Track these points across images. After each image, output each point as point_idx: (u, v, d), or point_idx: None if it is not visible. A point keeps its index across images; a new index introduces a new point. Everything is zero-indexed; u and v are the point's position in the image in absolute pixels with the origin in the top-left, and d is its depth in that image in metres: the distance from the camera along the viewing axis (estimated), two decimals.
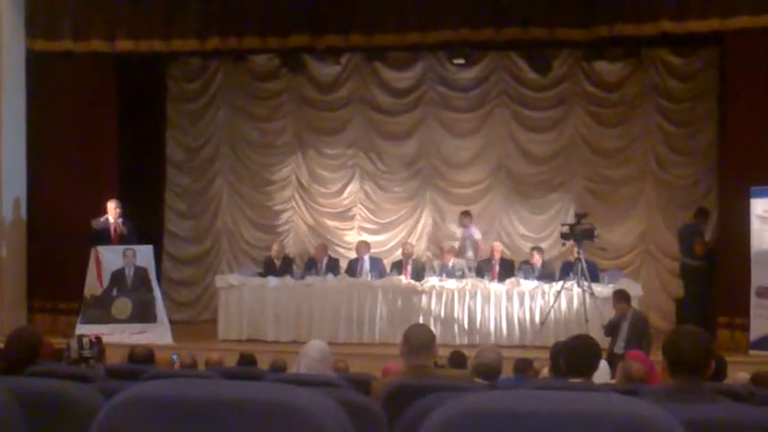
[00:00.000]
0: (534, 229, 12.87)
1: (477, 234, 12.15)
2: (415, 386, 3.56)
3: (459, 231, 12.52)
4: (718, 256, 10.74)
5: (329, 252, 12.04)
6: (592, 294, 10.10)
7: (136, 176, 12.18)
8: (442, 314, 10.67)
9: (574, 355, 4.65)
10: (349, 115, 13.33)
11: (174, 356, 7.93)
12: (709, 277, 10.63)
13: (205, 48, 11.28)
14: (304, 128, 13.44)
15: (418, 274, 11.14)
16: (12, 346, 4.42)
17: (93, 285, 10.58)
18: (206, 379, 2.18)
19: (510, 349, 9.33)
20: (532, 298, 10.64)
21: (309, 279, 11.11)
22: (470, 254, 11.88)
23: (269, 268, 11.48)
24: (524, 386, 4.86)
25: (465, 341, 10.38)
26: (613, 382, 5.93)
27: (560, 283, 10.51)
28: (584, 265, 10.20)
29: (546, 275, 11.03)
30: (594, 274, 10.61)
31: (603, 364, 5.96)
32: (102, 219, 10.73)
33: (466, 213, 12.35)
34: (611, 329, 9.04)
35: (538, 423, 1.24)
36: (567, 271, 10.86)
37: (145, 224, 11.62)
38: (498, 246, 11.67)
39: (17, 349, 4.30)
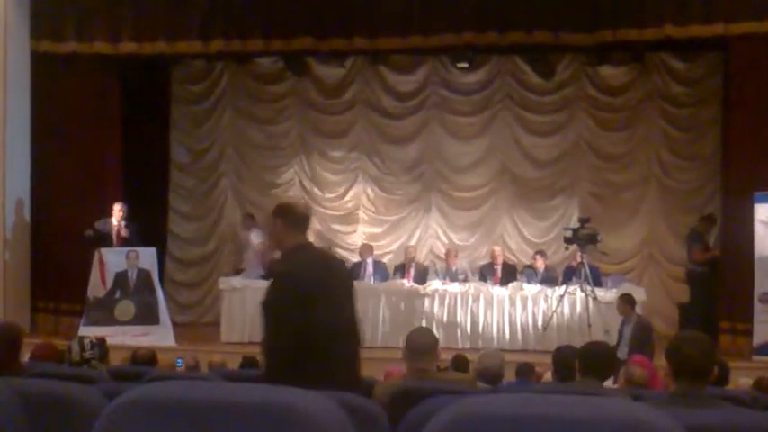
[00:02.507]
0: (537, 233, 12.85)
1: (255, 238, 12.15)
2: (418, 390, 3.56)
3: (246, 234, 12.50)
4: (721, 261, 10.72)
5: None
6: (595, 299, 10.10)
7: (140, 178, 12.19)
8: (445, 318, 10.66)
9: (591, 357, 4.64)
10: (353, 118, 13.33)
11: (179, 361, 7.94)
12: (713, 283, 10.62)
13: (209, 50, 11.29)
14: (308, 131, 13.45)
15: (421, 278, 11.14)
16: None
17: (97, 287, 10.58)
18: (208, 381, 2.18)
19: (512, 353, 9.31)
20: (535, 302, 10.63)
21: None
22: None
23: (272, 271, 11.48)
24: (526, 390, 4.86)
25: (468, 345, 10.37)
26: (616, 387, 5.93)
27: (563, 287, 10.51)
28: (588, 270, 10.20)
29: (549, 280, 11.02)
30: (597, 279, 10.60)
31: None
32: (101, 222, 10.73)
33: (248, 216, 12.57)
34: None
35: (540, 427, 1.24)
36: (569, 275, 10.85)
37: (149, 226, 11.63)
38: (498, 250, 11.64)
39: None
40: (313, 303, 3.64)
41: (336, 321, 3.74)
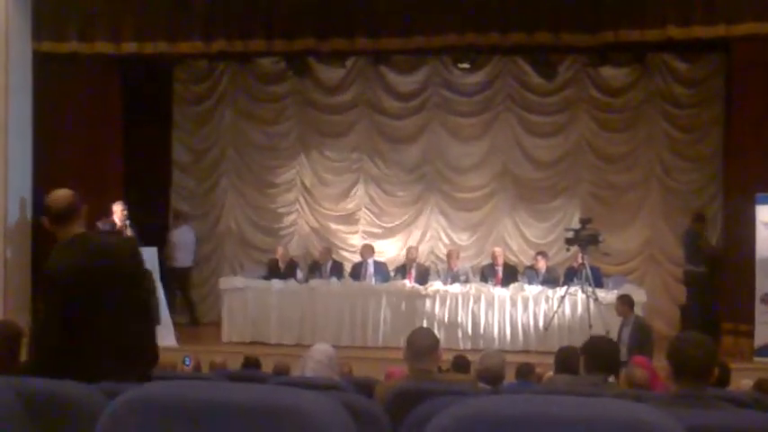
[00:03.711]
0: (539, 234, 12.84)
1: (180, 235, 12.56)
2: (419, 390, 3.55)
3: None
4: (721, 262, 10.72)
5: (333, 255, 12.06)
6: (596, 300, 10.09)
7: (141, 178, 12.19)
8: (446, 319, 10.66)
9: (595, 353, 4.63)
10: (354, 118, 13.33)
11: (186, 360, 7.96)
12: (713, 283, 10.62)
13: (210, 50, 11.27)
14: (309, 131, 13.45)
15: (422, 279, 11.13)
16: None
17: None
18: (210, 381, 2.18)
19: (513, 354, 9.33)
20: (536, 303, 10.62)
21: (313, 282, 11.10)
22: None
23: (273, 271, 11.49)
24: (527, 391, 4.86)
25: (469, 346, 10.37)
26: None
27: (564, 288, 10.50)
28: (589, 271, 10.19)
29: (550, 281, 11.02)
30: (599, 280, 10.59)
31: None
32: (104, 222, 10.71)
33: (178, 212, 12.96)
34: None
35: (540, 428, 1.23)
36: (570, 276, 10.85)
37: (149, 226, 11.62)
38: (500, 251, 11.64)
39: None
40: (70, 293, 3.71)
41: (103, 309, 3.76)
